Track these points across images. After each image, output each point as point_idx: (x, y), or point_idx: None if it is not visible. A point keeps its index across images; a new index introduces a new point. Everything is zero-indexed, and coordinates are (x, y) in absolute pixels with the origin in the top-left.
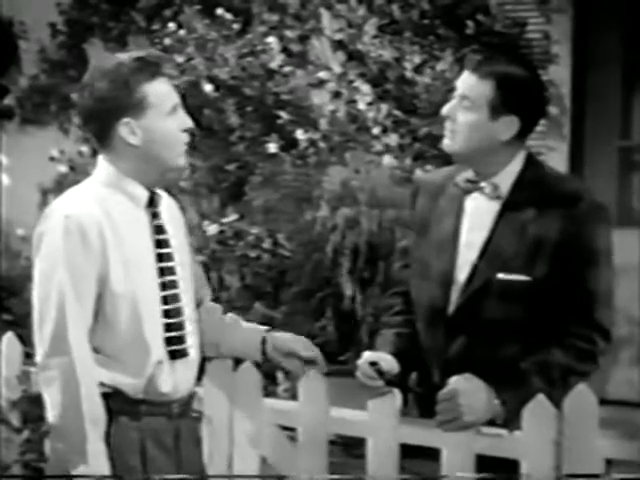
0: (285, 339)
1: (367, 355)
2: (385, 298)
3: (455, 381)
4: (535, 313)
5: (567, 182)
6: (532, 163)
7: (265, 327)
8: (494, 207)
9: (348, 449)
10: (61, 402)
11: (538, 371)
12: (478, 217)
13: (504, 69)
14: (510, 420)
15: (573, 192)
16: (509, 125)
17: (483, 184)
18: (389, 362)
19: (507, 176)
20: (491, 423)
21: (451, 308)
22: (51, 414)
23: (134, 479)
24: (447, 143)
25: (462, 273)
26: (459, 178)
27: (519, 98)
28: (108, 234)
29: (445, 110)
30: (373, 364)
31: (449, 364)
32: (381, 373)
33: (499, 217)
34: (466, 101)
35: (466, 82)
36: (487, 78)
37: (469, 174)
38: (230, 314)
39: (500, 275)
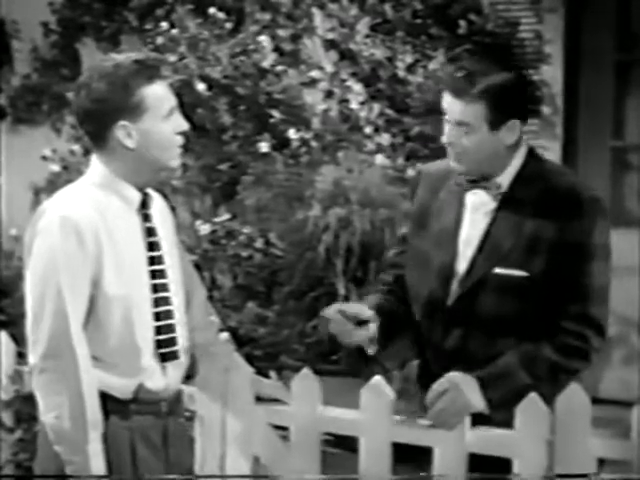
0: (267, 386)
1: (335, 305)
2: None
3: (439, 381)
4: (532, 308)
5: (565, 176)
6: (532, 157)
7: (252, 370)
8: (493, 201)
9: (340, 448)
10: (62, 403)
11: (524, 365)
12: (478, 211)
13: (487, 83)
14: (496, 413)
15: (570, 187)
16: (512, 129)
17: (486, 184)
18: (358, 308)
19: (508, 173)
20: (486, 422)
21: (450, 300)
22: (50, 416)
23: (126, 479)
24: (455, 166)
25: (461, 266)
26: (461, 178)
27: (514, 103)
28: (103, 236)
29: (446, 139)
30: (341, 312)
31: (447, 355)
32: (347, 317)
33: (497, 212)
34: (464, 127)
35: (455, 109)
36: (476, 100)
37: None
38: (224, 334)
39: (497, 270)
